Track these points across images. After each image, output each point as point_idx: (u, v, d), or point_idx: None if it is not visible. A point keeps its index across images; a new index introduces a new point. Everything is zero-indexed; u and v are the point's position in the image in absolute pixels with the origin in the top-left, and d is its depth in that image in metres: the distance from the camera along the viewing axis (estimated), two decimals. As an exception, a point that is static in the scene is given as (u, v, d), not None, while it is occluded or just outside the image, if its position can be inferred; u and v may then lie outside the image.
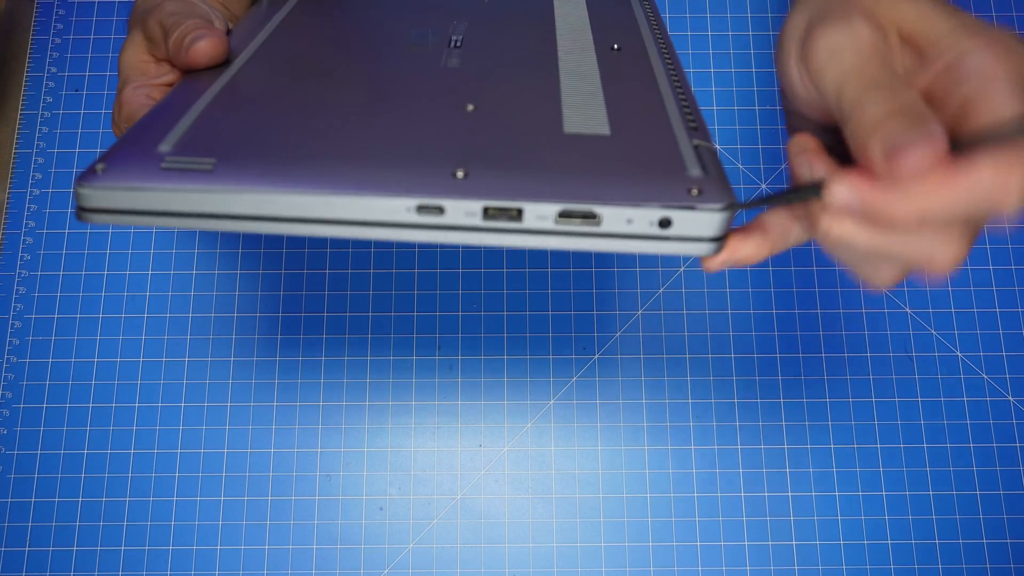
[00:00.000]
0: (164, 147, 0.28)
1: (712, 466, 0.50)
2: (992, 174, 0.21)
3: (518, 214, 0.27)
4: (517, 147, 0.29)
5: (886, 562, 0.48)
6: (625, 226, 0.27)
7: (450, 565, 0.48)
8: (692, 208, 0.27)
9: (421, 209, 0.27)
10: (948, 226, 0.23)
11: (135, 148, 0.28)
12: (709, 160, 0.29)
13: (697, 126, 0.31)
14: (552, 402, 0.51)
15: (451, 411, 0.51)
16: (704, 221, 0.28)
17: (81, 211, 0.28)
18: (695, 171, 0.28)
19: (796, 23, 0.28)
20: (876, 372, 0.51)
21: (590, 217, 0.27)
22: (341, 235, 0.28)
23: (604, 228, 0.27)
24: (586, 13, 0.40)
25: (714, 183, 0.28)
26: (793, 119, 0.31)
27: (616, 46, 0.37)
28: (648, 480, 0.50)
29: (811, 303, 0.53)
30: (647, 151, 0.29)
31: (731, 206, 0.28)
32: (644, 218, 0.27)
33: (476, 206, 0.27)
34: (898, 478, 0.49)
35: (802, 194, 0.26)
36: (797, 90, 0.28)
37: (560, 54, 0.36)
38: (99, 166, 0.28)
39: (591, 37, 0.38)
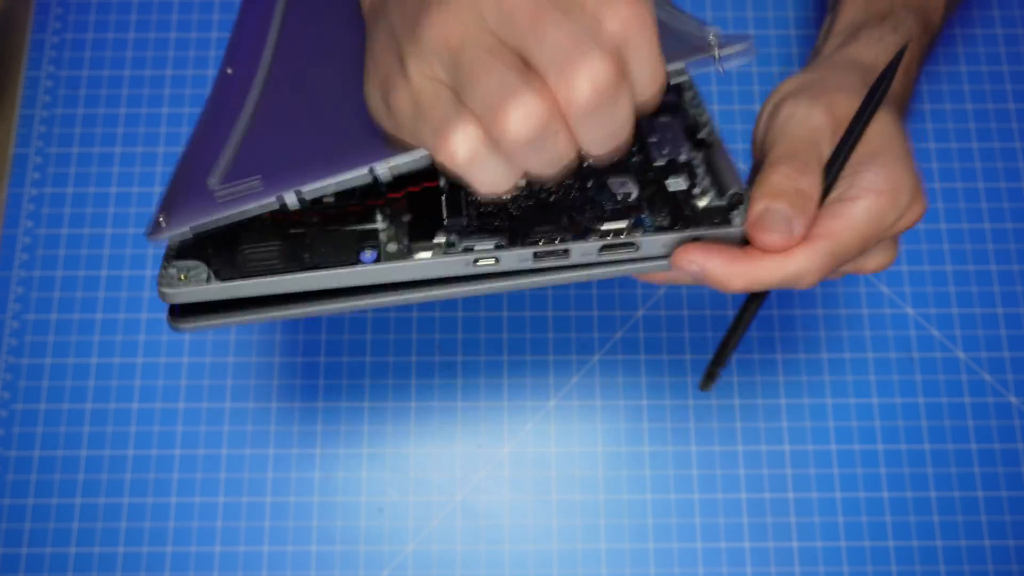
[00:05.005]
0: (213, 181, 0.29)
1: (713, 468, 0.50)
2: (802, 263, 0.28)
3: (565, 253, 0.29)
4: None
5: (887, 564, 0.48)
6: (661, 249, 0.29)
7: (449, 567, 0.48)
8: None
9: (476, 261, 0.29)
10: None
11: (188, 191, 0.29)
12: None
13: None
14: (552, 403, 0.51)
15: (450, 412, 0.51)
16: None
17: (172, 318, 0.29)
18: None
19: (795, 80, 0.34)
20: (878, 373, 0.51)
21: (629, 246, 0.29)
22: (401, 302, 0.29)
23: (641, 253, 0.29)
24: None
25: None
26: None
27: None
28: (649, 482, 0.49)
29: (812, 304, 0.52)
30: None
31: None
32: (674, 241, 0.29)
33: (528, 252, 0.29)
34: (900, 480, 0.49)
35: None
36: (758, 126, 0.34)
37: None
38: (161, 218, 0.28)
39: None
